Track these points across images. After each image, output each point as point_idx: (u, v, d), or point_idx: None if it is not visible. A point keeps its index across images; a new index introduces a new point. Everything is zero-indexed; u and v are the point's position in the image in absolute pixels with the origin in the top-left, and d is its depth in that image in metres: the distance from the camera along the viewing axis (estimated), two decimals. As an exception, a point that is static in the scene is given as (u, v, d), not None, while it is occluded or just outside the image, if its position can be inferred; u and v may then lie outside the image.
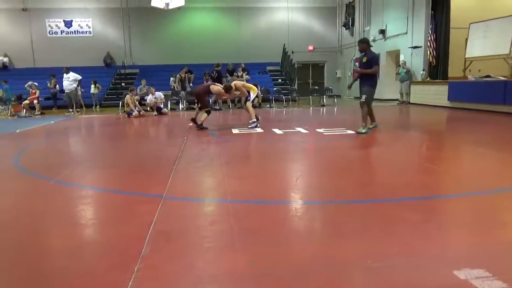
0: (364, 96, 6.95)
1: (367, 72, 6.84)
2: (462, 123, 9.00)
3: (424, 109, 12.27)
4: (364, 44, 7.04)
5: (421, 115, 10.98)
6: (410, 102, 14.03)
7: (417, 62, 14.19)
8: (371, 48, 7.21)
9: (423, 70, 13.72)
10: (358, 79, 7.14)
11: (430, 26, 13.17)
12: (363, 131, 6.87)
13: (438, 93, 12.41)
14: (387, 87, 16.29)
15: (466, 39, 12.25)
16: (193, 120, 8.37)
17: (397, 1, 15.28)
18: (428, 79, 13.53)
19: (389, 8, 15.95)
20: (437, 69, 13.28)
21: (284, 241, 2.46)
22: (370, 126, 7.15)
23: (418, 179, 4.03)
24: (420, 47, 13.86)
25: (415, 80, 14.13)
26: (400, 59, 14.95)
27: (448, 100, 11.84)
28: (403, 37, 14.96)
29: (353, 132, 7.15)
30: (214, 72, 15.49)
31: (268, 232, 2.61)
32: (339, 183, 3.88)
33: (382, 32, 16.28)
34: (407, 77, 14.17)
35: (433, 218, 2.84)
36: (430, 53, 13.24)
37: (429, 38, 13.20)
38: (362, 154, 5.40)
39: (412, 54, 14.38)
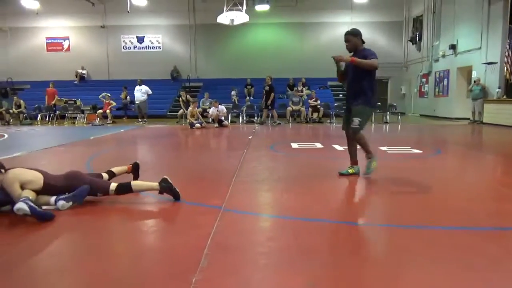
0: (357, 120, 4.42)
1: (362, 63, 4.41)
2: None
3: (499, 129, 11.33)
4: (350, 36, 4.87)
5: (496, 136, 10.13)
6: (483, 121, 13.05)
7: (491, 79, 13.21)
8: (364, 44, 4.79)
9: (499, 88, 12.72)
10: (347, 86, 4.83)
11: (508, 41, 12.24)
12: (370, 169, 4.55)
13: (515, 113, 11.43)
14: (458, 104, 15.38)
15: (550, 55, 11.21)
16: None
17: (470, 15, 14.43)
18: (504, 97, 12.52)
19: (461, 22, 15.10)
20: (514, 87, 12.27)
21: (344, 264, 2.34)
22: (354, 170, 4.73)
23: (498, 206, 3.64)
24: (496, 63, 12.90)
25: (490, 98, 13.14)
26: (473, 76, 14.02)
27: (527, 120, 10.86)
28: (476, 52, 14.04)
29: (420, 151, 6.77)
30: (266, 86, 14.20)
31: (327, 253, 2.50)
32: (405, 206, 3.65)
33: (453, 47, 15.43)
34: (481, 95, 13.21)
35: (514, 252, 2.55)
36: (507, 69, 12.29)
37: (506, 53, 12.26)
38: (431, 175, 5.05)
39: (486, 70, 13.42)
